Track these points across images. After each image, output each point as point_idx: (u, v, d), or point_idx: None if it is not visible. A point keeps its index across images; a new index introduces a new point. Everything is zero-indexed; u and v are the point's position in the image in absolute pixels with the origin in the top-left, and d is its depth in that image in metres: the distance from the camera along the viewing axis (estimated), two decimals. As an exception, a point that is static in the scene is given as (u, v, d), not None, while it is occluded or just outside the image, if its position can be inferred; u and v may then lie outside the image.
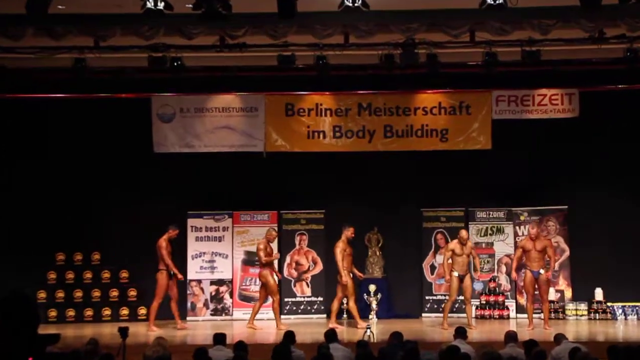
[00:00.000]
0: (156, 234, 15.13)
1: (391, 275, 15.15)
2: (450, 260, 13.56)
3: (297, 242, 15.61)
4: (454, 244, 13.61)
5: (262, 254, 13.72)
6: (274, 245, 15.05)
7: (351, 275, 13.71)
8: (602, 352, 7.58)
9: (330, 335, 9.06)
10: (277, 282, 13.89)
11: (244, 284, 15.38)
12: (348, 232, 13.68)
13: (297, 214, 15.66)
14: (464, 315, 13.92)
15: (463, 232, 13.67)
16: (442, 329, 13.09)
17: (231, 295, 15.34)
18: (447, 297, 13.89)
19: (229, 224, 15.46)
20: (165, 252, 13.67)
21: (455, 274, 13.49)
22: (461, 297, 13.83)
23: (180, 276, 13.85)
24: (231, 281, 15.36)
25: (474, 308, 14.45)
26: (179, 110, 14.79)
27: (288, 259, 15.48)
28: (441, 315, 15.15)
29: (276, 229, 14.45)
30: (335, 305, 13.70)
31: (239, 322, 14.77)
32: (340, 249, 13.59)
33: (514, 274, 13.80)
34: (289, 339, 8.92)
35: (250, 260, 15.36)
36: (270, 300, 13.99)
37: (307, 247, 15.59)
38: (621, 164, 15.21)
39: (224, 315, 15.26)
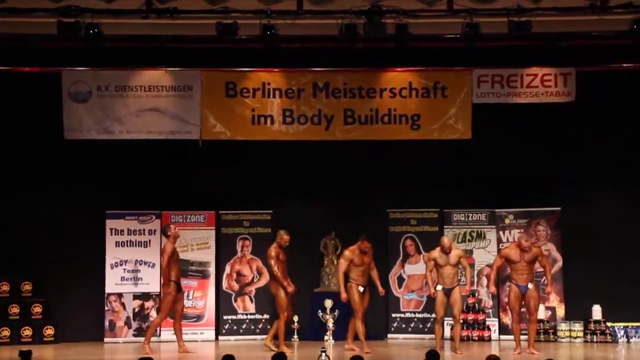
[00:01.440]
0: (67, 238, 15.04)
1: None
2: (433, 273, 13.67)
3: (238, 249, 15.59)
4: (436, 253, 13.71)
5: (273, 262, 13.68)
6: (209, 253, 15.06)
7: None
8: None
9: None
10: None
11: (174, 298, 15.31)
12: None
13: (239, 215, 15.65)
14: (432, 336, 14.05)
15: (445, 240, 13.76)
16: (438, 349, 13.07)
17: (158, 312, 15.24)
18: (434, 317, 13.98)
19: (157, 226, 15.38)
20: (168, 258, 13.62)
21: (439, 287, 13.59)
22: (433, 316, 13.97)
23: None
24: (159, 295, 15.25)
25: (448, 328, 14.56)
26: (96, 89, 14.66)
27: (228, 269, 15.45)
28: (412, 336, 15.29)
29: (287, 232, 14.00)
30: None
31: (168, 344, 14.69)
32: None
33: (492, 288, 13.94)
34: (227, 364, 8.89)
35: (182, 269, 15.17)
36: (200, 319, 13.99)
37: (250, 255, 15.58)
38: (625, 157, 15.41)
39: (149, 336, 15.21)
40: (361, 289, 13.62)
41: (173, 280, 13.65)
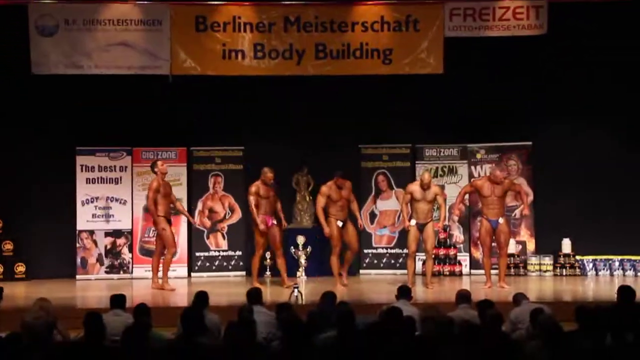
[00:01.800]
0: (36, 175, 14.97)
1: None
2: (408, 206, 13.67)
3: (210, 185, 15.59)
4: (414, 186, 13.69)
5: (250, 197, 13.72)
6: (180, 190, 15.06)
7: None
8: (569, 313, 7.76)
9: (254, 295, 9.10)
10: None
11: (146, 235, 15.35)
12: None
13: (210, 152, 15.64)
14: (405, 271, 14.15)
15: (425, 176, 13.71)
16: (410, 284, 13.11)
17: (131, 249, 15.31)
18: (406, 252, 14.05)
19: (128, 162, 15.36)
20: (154, 194, 13.55)
21: (413, 222, 13.60)
22: (405, 251, 14.02)
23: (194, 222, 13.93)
24: (131, 232, 15.31)
25: (420, 263, 14.67)
26: (64, 22, 14.42)
27: (200, 206, 15.46)
28: (384, 271, 15.42)
29: (271, 169, 13.94)
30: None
31: (141, 281, 14.76)
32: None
33: (456, 210, 14.05)
34: (200, 301, 8.91)
35: (153, 206, 15.32)
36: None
37: (222, 191, 15.59)
38: (597, 91, 15.41)
39: (121, 272, 15.25)
40: (340, 223, 13.69)
41: (162, 215, 13.58)
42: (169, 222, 13.78)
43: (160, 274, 13.81)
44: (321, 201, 13.71)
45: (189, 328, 7.34)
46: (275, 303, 9.15)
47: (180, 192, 15.24)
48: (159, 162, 13.86)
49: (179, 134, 15.47)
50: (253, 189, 13.69)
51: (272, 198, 13.79)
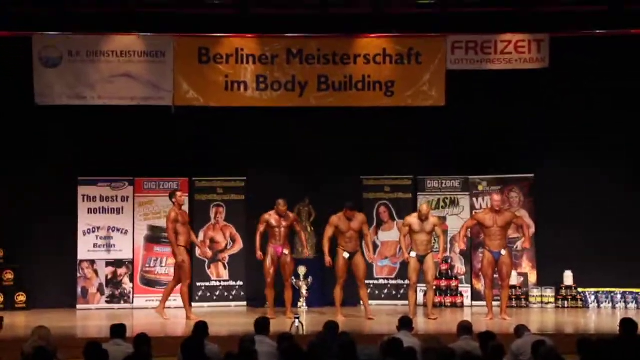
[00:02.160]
0: (38, 204, 14.99)
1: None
2: (407, 238, 13.67)
3: (212, 216, 15.57)
4: (412, 218, 13.68)
5: (260, 226, 13.75)
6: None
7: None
8: (571, 345, 7.74)
9: (261, 325, 9.05)
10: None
11: (147, 265, 15.33)
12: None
13: (212, 182, 15.62)
14: (406, 302, 14.11)
15: (424, 207, 13.74)
16: (411, 315, 13.07)
17: (132, 279, 15.27)
18: (407, 283, 14.00)
19: (130, 192, 15.36)
20: (173, 225, 13.51)
21: (413, 254, 13.60)
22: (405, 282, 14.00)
23: (204, 252, 13.98)
24: (132, 262, 15.28)
25: (421, 294, 14.62)
26: (67, 54, 14.49)
27: (201, 236, 15.42)
28: (385, 302, 15.38)
29: (285, 202, 13.89)
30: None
31: (141, 311, 14.75)
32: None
33: (460, 244, 13.93)
34: (201, 331, 8.89)
35: (155, 236, 15.33)
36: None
37: (224, 222, 15.57)
38: (598, 124, 15.42)
39: (122, 302, 15.20)
40: (346, 255, 13.62)
41: (182, 246, 13.56)
42: (189, 253, 13.73)
43: (168, 303, 13.95)
44: (328, 231, 13.68)
45: (189, 358, 7.31)
46: (277, 333, 9.10)
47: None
48: (178, 193, 13.83)
49: (181, 165, 15.46)
50: (265, 217, 13.71)
51: (285, 229, 13.78)
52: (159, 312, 13.62)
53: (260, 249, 13.67)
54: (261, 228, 13.72)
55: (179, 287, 13.77)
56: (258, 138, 15.58)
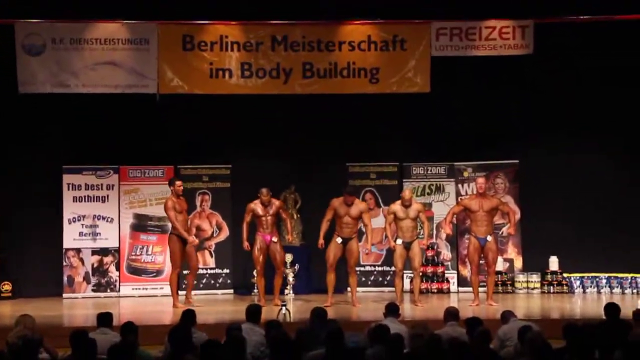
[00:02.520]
0: (23, 193, 14.93)
1: (311, 242, 15.17)
2: (392, 226, 13.67)
3: (198, 203, 15.54)
4: (396, 206, 13.66)
5: (246, 216, 13.70)
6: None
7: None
8: (557, 330, 7.75)
9: (252, 312, 9.03)
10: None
11: (133, 253, 15.29)
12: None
13: (198, 170, 15.60)
14: (392, 289, 14.16)
15: (406, 192, 13.73)
16: (398, 302, 13.05)
17: (118, 268, 15.23)
18: (393, 270, 14.02)
19: (115, 181, 15.32)
20: (173, 212, 13.49)
21: (399, 241, 13.59)
22: (393, 269, 14.04)
23: (192, 240, 13.71)
24: (118, 250, 15.25)
25: (408, 281, 14.65)
26: (51, 41, 14.37)
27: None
28: (372, 289, 15.39)
29: (268, 190, 13.80)
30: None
31: (128, 299, 14.76)
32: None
33: (446, 228, 13.91)
34: (188, 319, 8.87)
35: (141, 224, 15.31)
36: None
37: (210, 210, 15.54)
38: (584, 109, 15.44)
39: (108, 291, 15.18)
40: (339, 240, 13.55)
41: (174, 233, 13.56)
42: (182, 241, 13.59)
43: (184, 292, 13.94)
44: (327, 213, 13.59)
45: (176, 346, 7.30)
46: (265, 321, 9.09)
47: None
48: (177, 182, 13.71)
49: (166, 153, 15.42)
50: (251, 206, 13.67)
51: (271, 217, 13.73)
52: (187, 302, 13.51)
53: (247, 239, 13.63)
54: (247, 218, 13.69)
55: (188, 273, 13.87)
56: (243, 125, 15.56)
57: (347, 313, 12.90)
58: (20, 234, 15.05)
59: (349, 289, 13.96)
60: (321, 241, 13.53)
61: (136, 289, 15.11)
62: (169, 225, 14.07)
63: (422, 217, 13.78)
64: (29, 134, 15.18)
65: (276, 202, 13.91)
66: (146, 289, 15.11)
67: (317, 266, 14.87)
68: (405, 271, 13.94)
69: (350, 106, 15.24)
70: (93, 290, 15.10)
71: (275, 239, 13.75)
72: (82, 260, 15.13)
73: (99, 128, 15.24)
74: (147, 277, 15.15)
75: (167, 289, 14.53)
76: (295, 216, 15.44)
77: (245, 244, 13.62)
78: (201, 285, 15.27)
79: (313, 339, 7.73)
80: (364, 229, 13.93)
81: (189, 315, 8.95)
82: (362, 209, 13.63)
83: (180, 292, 13.80)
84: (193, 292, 13.99)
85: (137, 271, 15.24)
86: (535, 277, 15.21)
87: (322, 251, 13.66)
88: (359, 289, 14.45)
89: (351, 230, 13.58)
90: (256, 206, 13.69)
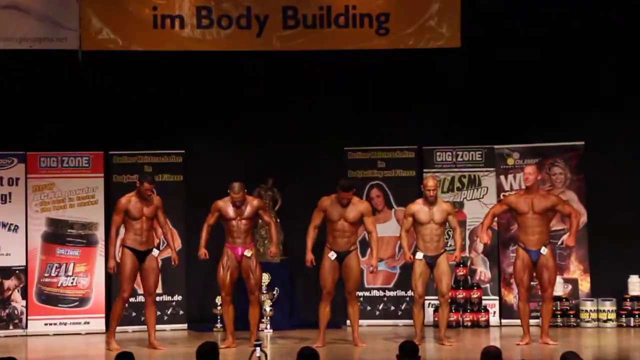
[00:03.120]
0: None
1: (295, 257, 15.01)
2: (411, 234, 13.61)
3: (138, 204, 15.47)
4: (416, 206, 13.56)
5: (209, 217, 13.54)
6: (95, 211, 14.81)
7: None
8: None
9: (205, 355, 8.85)
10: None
11: (46, 275, 15.19)
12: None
13: (137, 157, 15.61)
14: (409, 321, 14.06)
15: (429, 181, 13.58)
16: (417, 339, 12.96)
17: (25, 295, 15.10)
18: (411, 295, 13.95)
19: (20, 172, 15.27)
20: (120, 217, 13.42)
21: (420, 255, 13.46)
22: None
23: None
24: (25, 271, 15.18)
25: (431, 310, 14.58)
26: None
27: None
28: (381, 321, 15.37)
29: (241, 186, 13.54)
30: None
31: (38, 339, 14.68)
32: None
33: (484, 237, 13.67)
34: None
35: (57, 234, 15.22)
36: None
37: (154, 212, 15.47)
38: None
39: (11, 327, 15.08)
40: (333, 255, 13.44)
41: (126, 246, 13.46)
42: (138, 256, 13.46)
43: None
44: (315, 216, 13.52)
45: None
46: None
47: (94, 214, 15.26)
48: (147, 185, 13.46)
49: (93, 134, 15.43)
50: (219, 204, 13.53)
51: (246, 221, 13.60)
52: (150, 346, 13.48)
53: (206, 246, 13.49)
54: (211, 219, 13.56)
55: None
56: (201, 96, 15.58)
57: (347, 356, 12.89)
58: None
59: (348, 322, 13.91)
60: (310, 256, 13.42)
61: (50, 324, 14.97)
62: (97, 234, 14.15)
63: (452, 222, 13.67)
64: None
65: (253, 202, 13.78)
66: (65, 324, 15.01)
67: (304, 291, 14.81)
68: (428, 297, 13.92)
69: (349, 68, 15.28)
70: (-9, 326, 15.12)
71: (249, 253, 13.59)
72: (-26, 285, 15.15)
73: (-1, 99, 15.25)
74: (66, 307, 15.07)
75: (95, 324, 14.44)
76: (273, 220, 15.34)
77: (203, 251, 13.48)
78: (143, 319, 15.11)
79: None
80: (367, 238, 13.83)
81: (123, 361, 8.77)
82: (362, 211, 13.50)
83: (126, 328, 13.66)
84: (131, 329, 13.86)
85: (51, 300, 15.12)
86: (608, 305, 15.16)
87: (310, 270, 13.60)
88: (362, 321, 14.39)
89: (348, 240, 13.48)
90: (226, 206, 13.54)
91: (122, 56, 14.72)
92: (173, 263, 13.69)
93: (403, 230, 13.68)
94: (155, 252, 13.58)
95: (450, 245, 14.29)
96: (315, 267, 13.49)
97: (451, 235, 14.19)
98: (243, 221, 13.59)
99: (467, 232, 15.46)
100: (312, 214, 13.53)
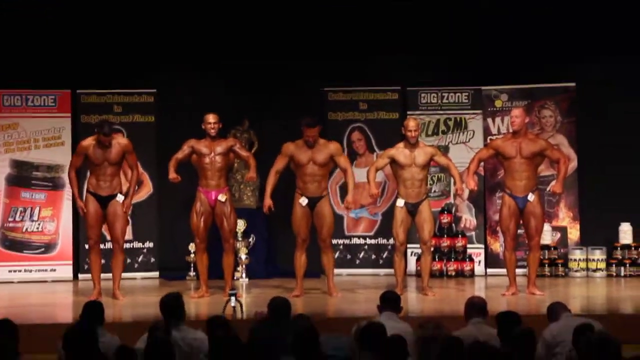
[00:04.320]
0: None
1: (273, 203, 15.20)
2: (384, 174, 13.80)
3: (106, 146, 15.52)
4: (397, 149, 13.49)
5: (178, 153, 13.51)
6: (61, 152, 14.92)
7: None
8: (630, 331, 7.80)
9: (170, 306, 8.96)
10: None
11: (10, 219, 15.31)
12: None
13: (106, 96, 15.62)
14: (390, 270, 14.19)
15: (410, 122, 13.57)
16: (398, 289, 13.00)
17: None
18: (393, 244, 13.98)
19: (-23, 117, 15.32)
20: (79, 159, 13.39)
21: (401, 202, 13.49)
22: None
23: (80, 205, 13.47)
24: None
25: (413, 259, 14.72)
26: None
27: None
28: (361, 270, 15.48)
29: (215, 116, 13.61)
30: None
31: (3, 286, 14.75)
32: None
33: (470, 182, 13.44)
34: (92, 315, 8.80)
35: (22, 177, 15.33)
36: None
37: (123, 154, 15.53)
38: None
39: (-25, 275, 15.22)
40: (304, 201, 13.47)
41: (89, 191, 13.44)
42: (101, 201, 13.41)
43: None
44: (277, 162, 13.49)
45: (75, 354, 7.27)
46: (207, 318, 9.09)
47: (61, 156, 15.24)
48: (106, 129, 13.25)
49: (60, 71, 15.43)
50: (192, 141, 13.51)
51: (221, 158, 13.57)
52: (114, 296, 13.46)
53: (176, 170, 13.42)
54: (180, 155, 13.47)
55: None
56: (174, 34, 15.59)
57: (324, 306, 12.98)
58: None
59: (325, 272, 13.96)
60: (268, 201, 13.48)
61: (15, 271, 15.11)
62: (63, 177, 14.14)
63: (441, 161, 13.63)
64: None
65: (228, 140, 13.84)
66: (30, 271, 15.13)
67: (281, 238, 14.88)
68: (410, 245, 13.98)
69: (330, 5, 15.34)
70: (-47, 274, 15.17)
71: (223, 198, 13.62)
72: None
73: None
74: (31, 253, 15.18)
75: (62, 271, 14.54)
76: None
77: (173, 175, 13.35)
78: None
79: (274, 343, 7.74)
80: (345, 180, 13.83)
81: (93, 310, 8.90)
82: (332, 152, 13.46)
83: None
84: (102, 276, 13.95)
85: (15, 246, 15.24)
86: (598, 254, 15.30)
87: (289, 215, 13.64)
88: (341, 270, 14.55)
89: (319, 185, 13.48)
90: (199, 143, 13.55)
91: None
92: (124, 208, 13.62)
93: (374, 165, 13.65)
94: (119, 197, 13.41)
95: (434, 192, 14.41)
96: (289, 214, 13.58)
97: (435, 180, 14.27)
98: (217, 157, 13.52)
99: (451, 178, 15.51)
100: (276, 161, 13.53)
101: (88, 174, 13.52)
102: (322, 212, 13.49)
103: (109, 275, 13.40)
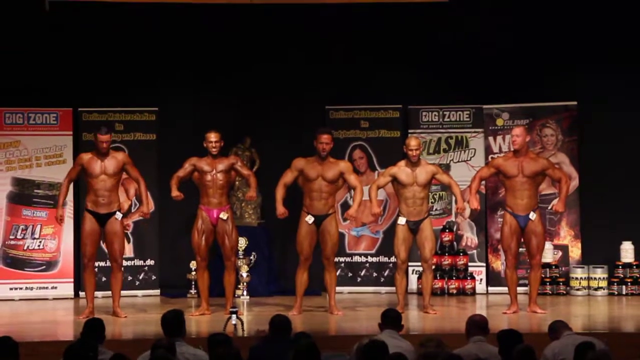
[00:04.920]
0: None
1: (273, 221, 15.20)
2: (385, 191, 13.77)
3: (107, 164, 15.54)
4: (396, 168, 13.55)
5: (180, 171, 13.56)
6: (63, 170, 14.94)
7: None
8: (632, 349, 7.82)
9: (171, 322, 8.99)
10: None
11: (11, 237, 15.27)
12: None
13: (108, 114, 15.60)
14: (392, 289, 14.20)
15: (412, 140, 13.66)
16: (399, 307, 13.00)
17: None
18: (394, 262, 14.02)
19: (-20, 134, 15.32)
20: (75, 170, 13.51)
21: (403, 220, 13.54)
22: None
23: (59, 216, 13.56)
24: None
25: (415, 277, 14.75)
26: None
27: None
28: (362, 288, 15.48)
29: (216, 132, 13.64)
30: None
31: (3, 304, 14.74)
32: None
33: (473, 202, 13.49)
34: (92, 333, 8.85)
35: (23, 195, 15.31)
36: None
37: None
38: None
39: (-24, 293, 15.19)
40: (310, 219, 13.54)
41: (86, 209, 13.49)
42: (99, 219, 13.43)
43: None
44: (286, 175, 13.53)
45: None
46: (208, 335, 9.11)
47: (63, 174, 14.92)
48: (103, 136, 13.38)
49: (62, 89, 15.43)
50: (193, 159, 13.56)
51: (223, 176, 13.61)
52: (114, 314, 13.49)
53: (178, 187, 13.47)
54: (181, 173, 13.53)
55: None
56: (175, 51, 15.61)
57: (325, 324, 12.99)
58: None
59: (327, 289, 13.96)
60: (281, 209, 13.48)
61: (16, 288, 15.09)
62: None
63: (443, 179, 13.68)
64: None
65: (230, 158, 13.86)
66: (31, 288, 15.12)
67: (282, 256, 14.88)
68: (412, 264, 13.99)
69: (332, 23, 15.36)
70: None
71: (224, 216, 13.66)
72: None
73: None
74: (33, 271, 15.16)
75: (63, 289, 14.54)
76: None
77: (176, 193, 13.41)
78: (113, 284, 15.27)
79: (275, 361, 7.77)
80: (349, 201, 13.87)
81: (93, 328, 8.93)
82: (342, 169, 13.53)
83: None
84: (101, 294, 13.93)
85: (17, 263, 15.22)
86: (600, 273, 15.29)
87: (291, 232, 13.64)
88: (344, 288, 14.56)
89: (326, 202, 13.52)
90: (201, 160, 13.55)
91: (92, 6, 14.69)
92: (142, 215, 13.68)
93: (375, 183, 13.70)
94: (118, 215, 13.45)
95: (436, 210, 14.42)
96: (293, 232, 13.62)
97: (437, 199, 14.28)
98: (219, 174, 13.57)
99: (453, 197, 15.53)
100: (284, 174, 13.54)
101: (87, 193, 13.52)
102: (328, 230, 13.53)
103: (110, 293, 13.43)
